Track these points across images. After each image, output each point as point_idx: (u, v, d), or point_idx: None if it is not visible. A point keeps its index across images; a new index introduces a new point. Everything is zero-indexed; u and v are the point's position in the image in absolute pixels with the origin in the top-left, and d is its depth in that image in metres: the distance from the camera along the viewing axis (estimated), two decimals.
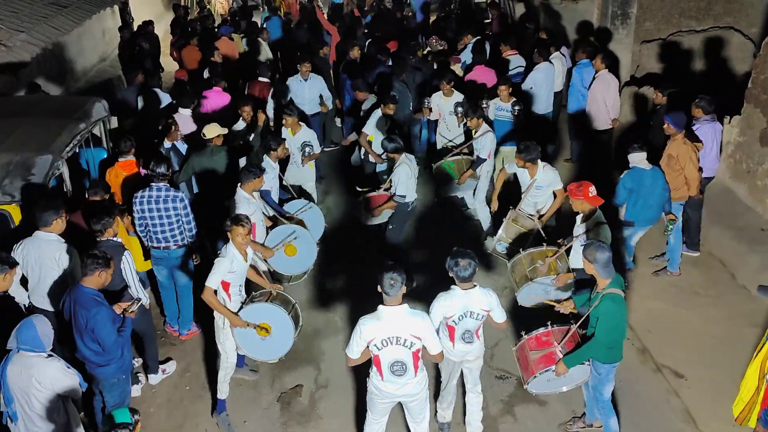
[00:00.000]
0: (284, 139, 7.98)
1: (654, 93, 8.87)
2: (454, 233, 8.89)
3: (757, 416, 5.27)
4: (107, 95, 11.38)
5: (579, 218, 6.47)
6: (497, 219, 7.65)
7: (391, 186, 7.78)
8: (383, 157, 9.01)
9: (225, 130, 8.32)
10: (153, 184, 6.92)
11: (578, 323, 5.46)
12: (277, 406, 6.47)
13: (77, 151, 7.65)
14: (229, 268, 5.77)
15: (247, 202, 6.91)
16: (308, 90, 10.24)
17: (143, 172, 7.72)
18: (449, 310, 5.26)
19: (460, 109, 9.14)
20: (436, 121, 9.83)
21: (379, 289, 4.84)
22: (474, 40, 11.80)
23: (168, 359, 7.10)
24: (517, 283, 6.79)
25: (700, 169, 7.50)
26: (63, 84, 12.86)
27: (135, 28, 15.55)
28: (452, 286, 5.29)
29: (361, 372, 5.81)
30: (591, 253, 5.16)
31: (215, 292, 5.78)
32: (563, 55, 10.84)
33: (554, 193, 7.44)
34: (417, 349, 4.91)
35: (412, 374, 5.02)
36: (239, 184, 6.97)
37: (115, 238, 6.13)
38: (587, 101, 9.73)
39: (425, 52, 11.81)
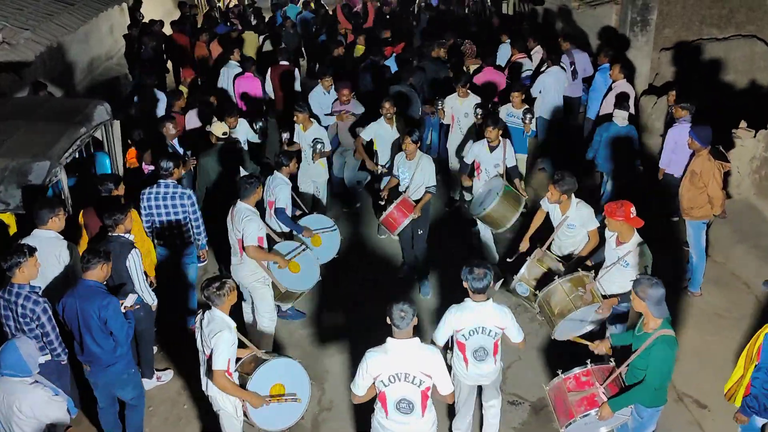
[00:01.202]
0: (295, 155, 7.62)
1: (669, 95, 8.76)
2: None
3: (741, 398, 5.14)
4: (113, 94, 11.26)
5: (613, 240, 5.96)
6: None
7: (407, 189, 7.58)
8: (382, 165, 8.73)
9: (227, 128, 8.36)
10: (161, 181, 6.89)
11: (624, 365, 5.02)
12: None
13: (77, 156, 7.39)
14: (233, 339, 5.00)
15: (255, 215, 6.40)
16: (332, 101, 9.79)
17: (146, 168, 7.69)
18: (459, 323, 5.09)
19: (480, 110, 8.81)
20: (448, 126, 9.50)
21: (388, 321, 4.53)
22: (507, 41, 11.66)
23: (166, 368, 6.87)
24: (556, 316, 6.09)
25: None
26: (69, 82, 12.63)
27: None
28: (465, 299, 5.14)
29: None
30: (643, 289, 4.74)
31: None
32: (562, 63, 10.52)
33: (588, 235, 6.64)
34: (426, 387, 4.58)
35: (419, 414, 4.67)
36: (240, 198, 6.43)
37: (126, 235, 6.03)
38: (602, 111, 9.39)
39: (440, 53, 11.48)
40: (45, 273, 5.75)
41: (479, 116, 8.78)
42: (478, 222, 8.12)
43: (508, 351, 6.73)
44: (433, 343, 5.12)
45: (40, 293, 5.33)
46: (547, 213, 6.88)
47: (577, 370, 5.14)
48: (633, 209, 5.73)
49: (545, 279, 6.50)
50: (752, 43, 11.04)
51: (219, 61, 12.28)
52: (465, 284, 5.04)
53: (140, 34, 13.93)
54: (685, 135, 7.57)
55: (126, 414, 5.83)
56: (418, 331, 4.63)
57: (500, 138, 7.87)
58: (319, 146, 8.48)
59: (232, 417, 5.20)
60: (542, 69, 10.38)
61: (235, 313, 5.42)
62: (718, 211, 7.17)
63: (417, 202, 7.59)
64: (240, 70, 11.18)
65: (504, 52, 11.53)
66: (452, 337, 5.19)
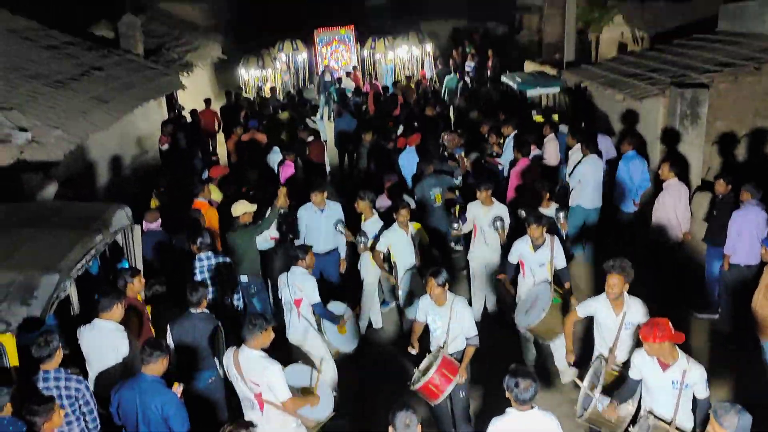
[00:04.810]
0: (311, 248, 7.34)
1: (717, 182, 8.13)
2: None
3: None
4: (148, 188, 10.98)
5: (655, 365, 5.22)
6: None
7: (444, 344, 6.31)
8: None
9: (254, 207, 8.24)
10: (201, 255, 7.64)
11: None
12: None
13: (89, 266, 6.96)
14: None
15: (269, 360, 5.50)
16: (324, 222, 8.50)
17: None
18: None
19: (499, 223, 8.07)
20: (469, 233, 8.59)
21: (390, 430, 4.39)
22: (513, 133, 11.15)
23: None
24: None
25: None
26: (103, 178, 12.47)
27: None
28: (507, 409, 4.77)
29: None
30: (730, 420, 4.17)
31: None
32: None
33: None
34: None
35: None
36: (245, 343, 5.50)
37: (206, 310, 6.38)
38: (654, 213, 8.73)
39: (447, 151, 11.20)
40: (103, 363, 5.96)
41: (500, 230, 8.08)
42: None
43: None
44: None
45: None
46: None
47: None
48: (670, 323, 5.08)
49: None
50: None
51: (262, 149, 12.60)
52: (508, 394, 4.71)
53: (174, 128, 13.89)
54: (753, 221, 7.39)
55: None
56: None
57: (545, 236, 7.24)
58: (362, 241, 8.03)
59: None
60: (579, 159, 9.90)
61: None
62: None
63: (458, 359, 6.37)
64: (281, 157, 11.31)
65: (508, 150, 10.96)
66: None
